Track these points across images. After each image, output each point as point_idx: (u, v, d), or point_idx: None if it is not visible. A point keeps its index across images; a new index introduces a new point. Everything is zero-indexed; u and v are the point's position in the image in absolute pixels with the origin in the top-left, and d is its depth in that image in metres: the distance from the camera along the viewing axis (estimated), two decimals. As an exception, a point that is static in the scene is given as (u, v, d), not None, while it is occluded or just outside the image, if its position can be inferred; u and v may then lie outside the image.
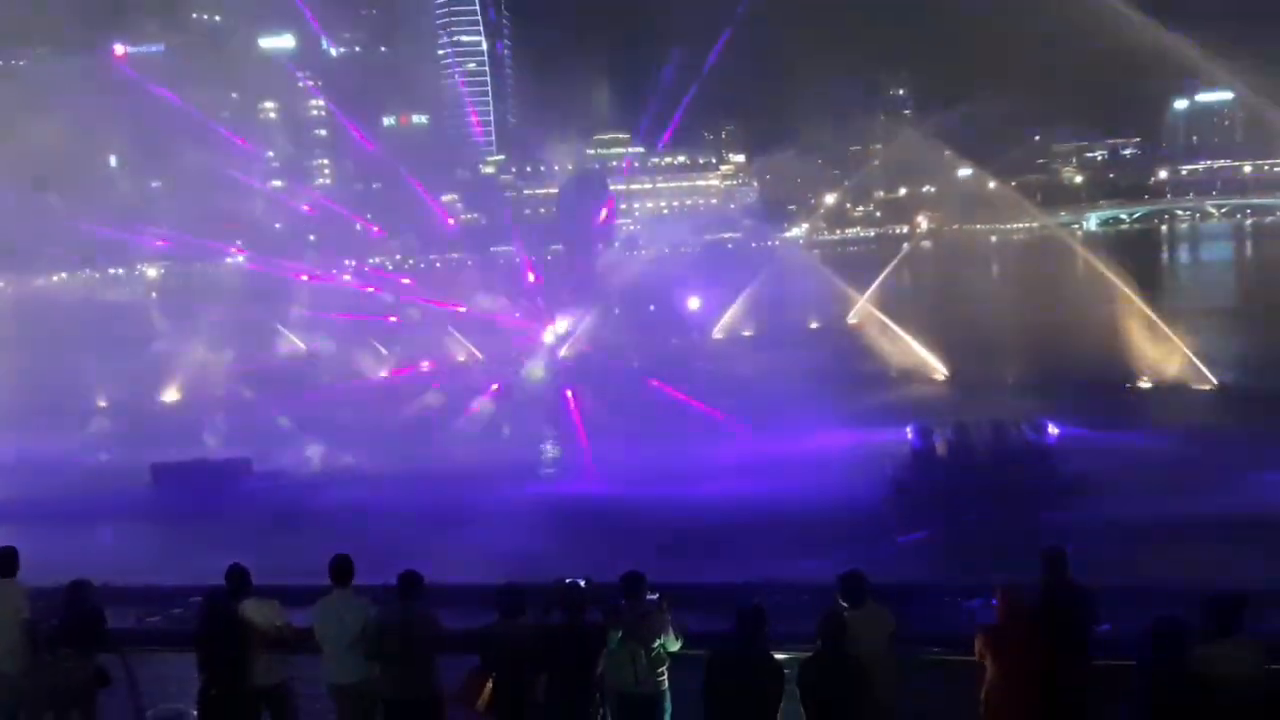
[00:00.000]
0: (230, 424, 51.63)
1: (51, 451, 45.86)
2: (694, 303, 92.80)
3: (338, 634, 12.24)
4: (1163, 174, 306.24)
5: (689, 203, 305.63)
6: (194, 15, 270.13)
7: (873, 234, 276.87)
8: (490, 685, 11.63)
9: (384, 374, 74.03)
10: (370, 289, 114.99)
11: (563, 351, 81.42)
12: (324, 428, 49.20)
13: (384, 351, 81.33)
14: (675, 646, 11.63)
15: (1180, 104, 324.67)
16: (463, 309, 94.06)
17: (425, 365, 74.84)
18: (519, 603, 11.86)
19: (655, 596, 11.97)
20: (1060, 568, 11.86)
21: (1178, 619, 10.00)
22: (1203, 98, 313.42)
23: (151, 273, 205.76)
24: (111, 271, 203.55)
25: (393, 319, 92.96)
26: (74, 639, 12.89)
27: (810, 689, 10.72)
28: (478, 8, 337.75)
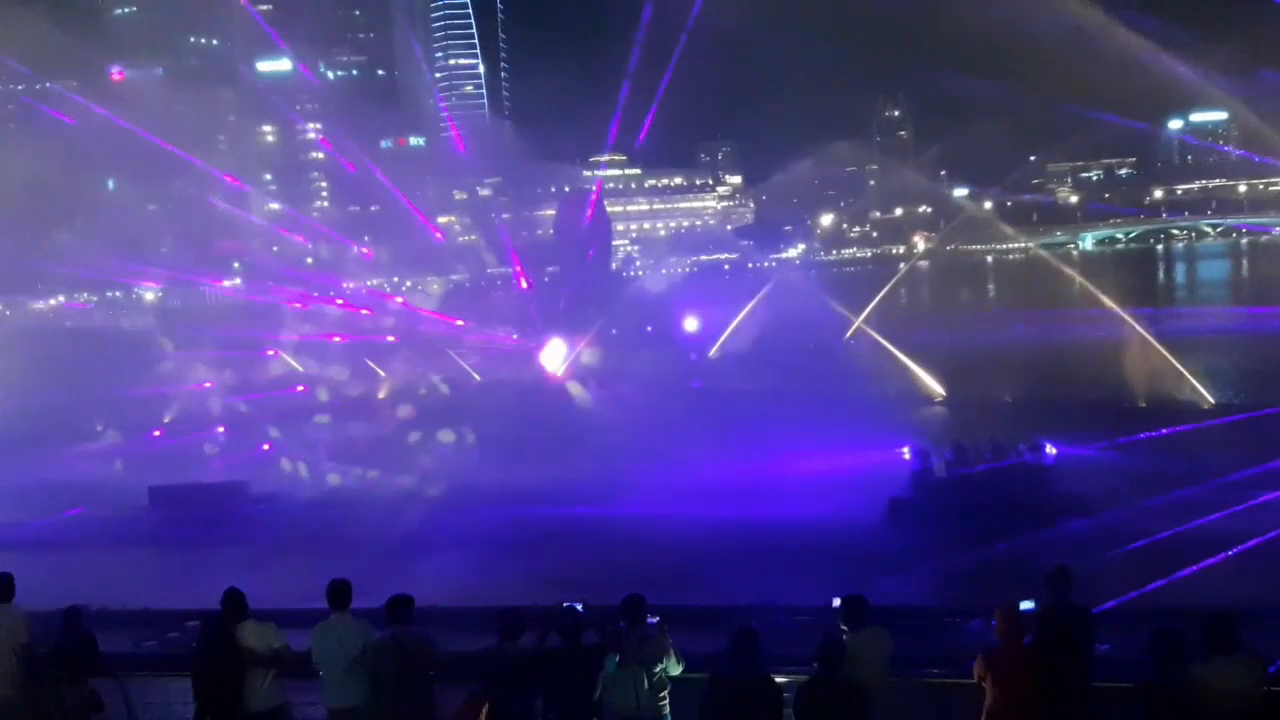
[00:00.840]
0: (228, 446, 51.78)
1: (54, 475, 45.70)
2: (691, 323, 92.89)
3: (336, 657, 12.21)
4: (1158, 193, 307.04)
5: (686, 224, 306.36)
6: (191, 39, 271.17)
7: (869, 254, 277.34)
8: (488, 708, 11.58)
9: (381, 395, 74.29)
10: (365, 310, 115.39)
11: (560, 371, 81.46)
12: (320, 449, 49.33)
13: (381, 373, 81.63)
14: (677, 670, 11.59)
15: (1175, 124, 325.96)
16: (460, 323, 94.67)
17: (422, 391, 74.74)
18: (518, 626, 11.86)
19: (656, 620, 11.96)
20: (1063, 588, 11.82)
21: (1178, 631, 10.02)
22: (1197, 117, 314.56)
23: (149, 296, 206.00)
24: (109, 295, 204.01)
25: (390, 338, 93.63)
26: (67, 665, 12.87)
27: (807, 712, 10.68)
28: (474, 31, 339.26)
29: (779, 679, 11.57)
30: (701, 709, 10.84)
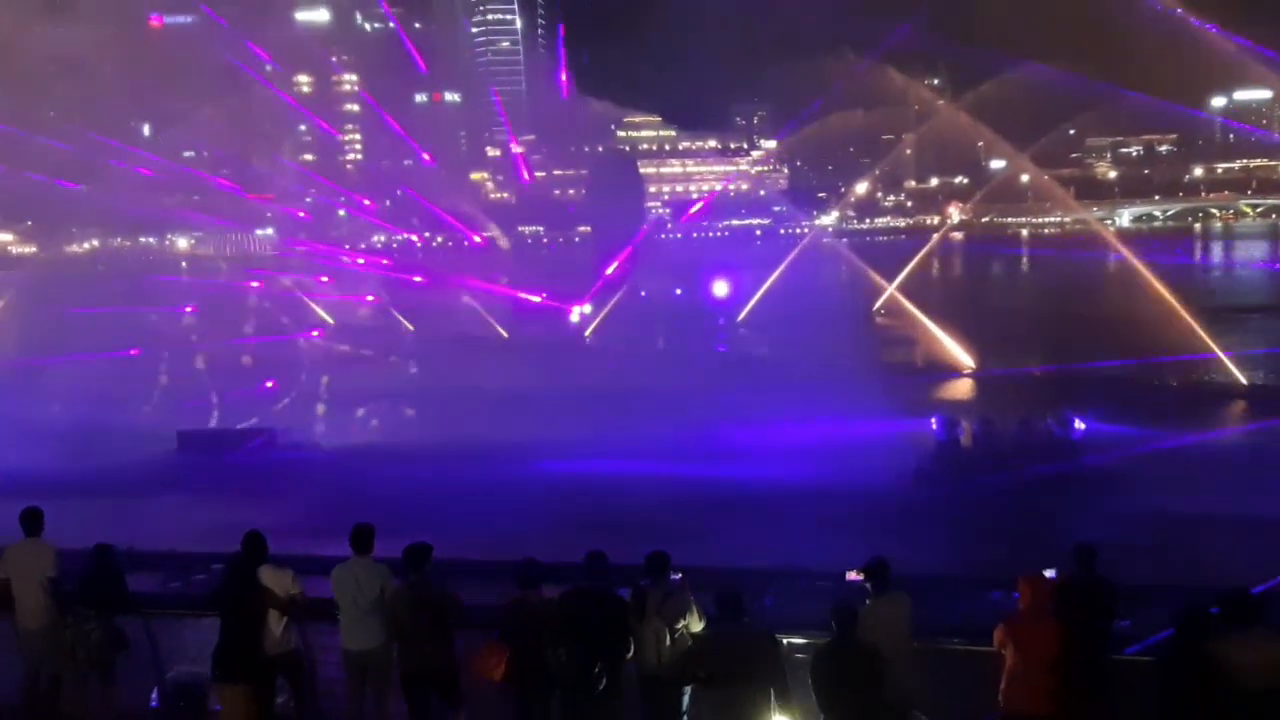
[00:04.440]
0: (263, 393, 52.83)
1: (95, 416, 45.98)
2: (721, 288, 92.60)
3: (355, 600, 12.33)
4: (1198, 171, 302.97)
5: (719, 187, 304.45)
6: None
7: (903, 224, 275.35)
8: (508, 658, 11.64)
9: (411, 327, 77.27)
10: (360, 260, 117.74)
11: (588, 332, 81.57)
12: (349, 398, 50.05)
13: (409, 326, 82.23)
14: (699, 627, 11.59)
15: (1218, 101, 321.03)
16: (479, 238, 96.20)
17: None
18: (537, 576, 11.91)
19: (678, 577, 11.97)
20: (1089, 563, 11.85)
21: (1204, 606, 9.98)
22: (1241, 95, 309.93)
23: (182, 243, 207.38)
24: (143, 240, 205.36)
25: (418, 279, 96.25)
26: (94, 602, 13.01)
27: (822, 676, 10.72)
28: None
29: (797, 640, 11.61)
30: (702, 664, 10.92)
